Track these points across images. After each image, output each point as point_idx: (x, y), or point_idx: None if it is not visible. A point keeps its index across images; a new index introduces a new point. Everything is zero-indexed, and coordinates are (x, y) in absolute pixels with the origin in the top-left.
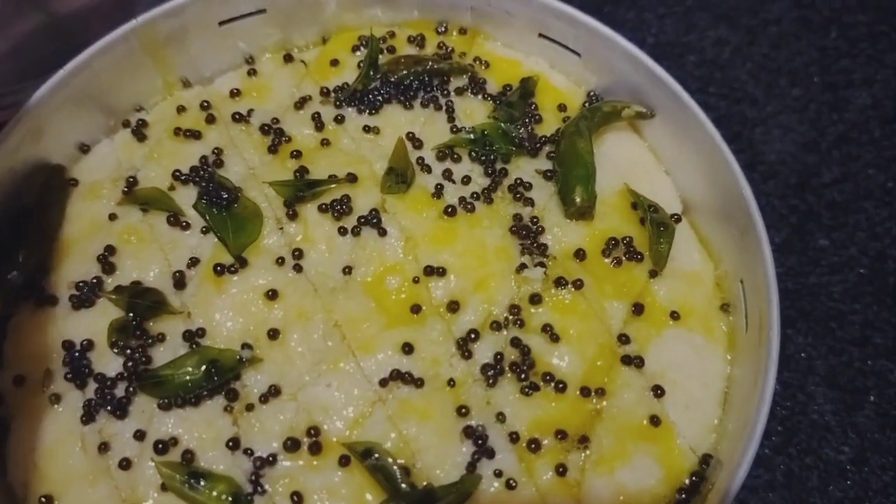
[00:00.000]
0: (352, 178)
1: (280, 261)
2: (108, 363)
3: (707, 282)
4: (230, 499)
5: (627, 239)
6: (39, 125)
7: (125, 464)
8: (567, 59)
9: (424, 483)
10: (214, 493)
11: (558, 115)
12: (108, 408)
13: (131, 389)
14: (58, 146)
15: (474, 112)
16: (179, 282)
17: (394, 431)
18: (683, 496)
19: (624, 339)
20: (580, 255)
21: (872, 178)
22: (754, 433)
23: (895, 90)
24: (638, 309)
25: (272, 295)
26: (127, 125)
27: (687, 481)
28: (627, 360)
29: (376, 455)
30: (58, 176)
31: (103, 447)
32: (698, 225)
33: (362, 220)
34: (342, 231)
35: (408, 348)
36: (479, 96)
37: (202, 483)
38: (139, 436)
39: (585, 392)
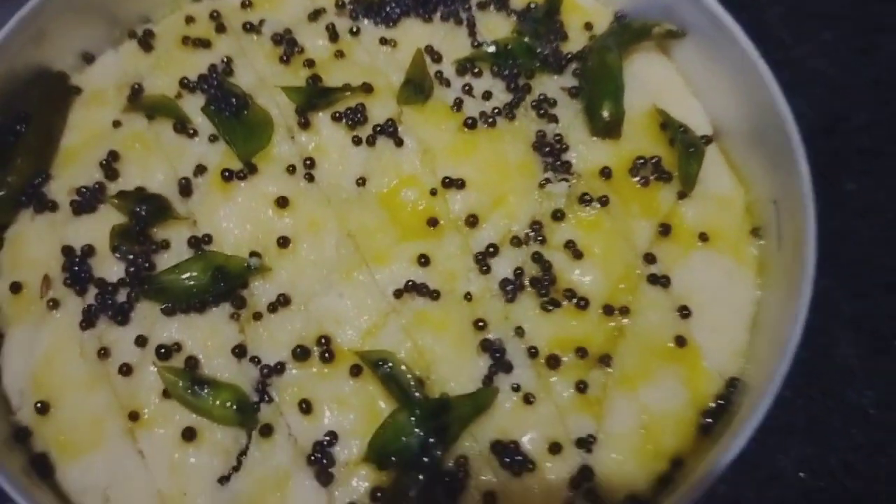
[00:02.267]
0: (367, 88)
1: (291, 169)
2: (110, 269)
3: (737, 206)
4: (235, 407)
5: (656, 159)
6: (41, 28)
7: (125, 369)
8: None
9: (439, 395)
10: (218, 401)
11: (584, 34)
12: (109, 313)
13: (133, 295)
14: (60, 53)
15: (497, 27)
16: (185, 188)
17: (408, 342)
18: (709, 420)
19: (650, 258)
20: (606, 173)
21: None
22: (787, 349)
23: None
24: (665, 230)
25: (282, 202)
26: (133, 35)
27: (713, 405)
28: (653, 280)
29: (389, 364)
30: (60, 82)
31: (103, 353)
32: (728, 150)
33: (378, 129)
34: (356, 140)
35: (423, 260)
36: (503, 12)
37: (206, 390)
38: (140, 342)
39: (608, 310)
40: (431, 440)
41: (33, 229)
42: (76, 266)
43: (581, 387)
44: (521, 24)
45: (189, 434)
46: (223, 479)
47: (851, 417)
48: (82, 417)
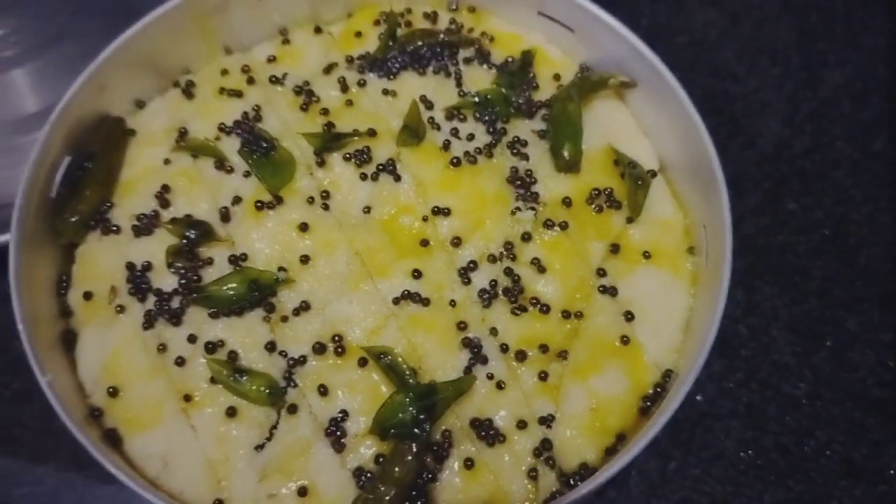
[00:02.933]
0: (372, 133)
1: (311, 200)
2: (165, 281)
3: (677, 228)
4: (267, 391)
5: (609, 190)
6: (102, 82)
7: (180, 361)
8: (562, 35)
9: (428, 381)
10: (255, 386)
11: (553, 83)
12: (166, 316)
13: (185, 302)
14: (118, 101)
15: (479, 79)
16: (225, 216)
17: (403, 340)
18: (647, 403)
19: (601, 272)
20: (567, 202)
21: (840, 150)
22: (705, 344)
23: (866, 70)
24: (615, 249)
25: (304, 227)
26: (177, 85)
27: (650, 391)
28: (603, 290)
29: (389, 357)
30: (118, 126)
31: (161, 348)
32: (672, 181)
33: (380, 167)
34: (363, 176)
35: (417, 274)
36: (484, 66)
37: (244, 377)
38: (191, 339)
39: (566, 314)
40: (422, 417)
41: (100, 248)
42: (137, 278)
43: (543, 376)
44: (499, 77)
45: (231, 412)
46: (258, 448)
47: (786, 406)
48: (145, 400)
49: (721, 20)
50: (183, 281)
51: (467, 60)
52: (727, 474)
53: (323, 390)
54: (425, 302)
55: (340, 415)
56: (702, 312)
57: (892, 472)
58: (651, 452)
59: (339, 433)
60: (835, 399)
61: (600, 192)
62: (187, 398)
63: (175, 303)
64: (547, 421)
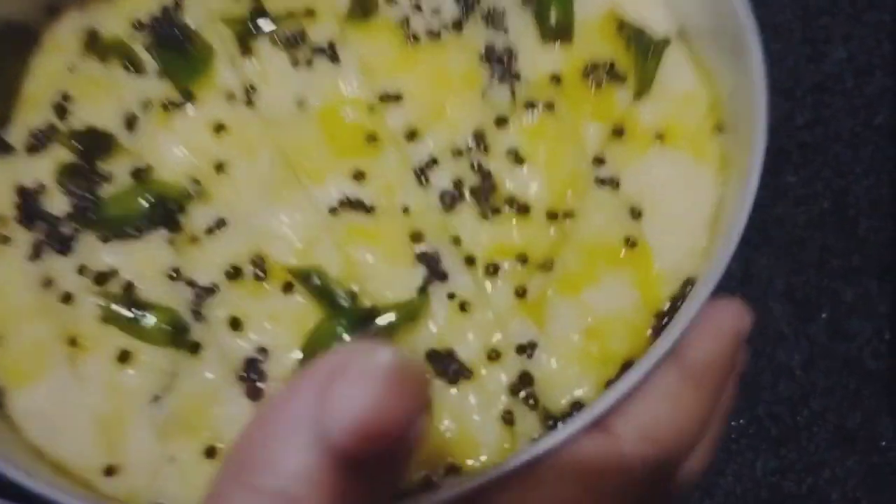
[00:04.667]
0: (310, 13)
1: (231, 96)
2: (57, 204)
3: (700, 102)
4: (169, 328)
5: (609, 63)
6: None
7: (66, 297)
8: None
9: (370, 306)
10: (153, 323)
11: None
12: (54, 245)
13: (77, 227)
14: (24, 5)
15: None
16: (130, 122)
17: (341, 256)
18: (666, 321)
19: (599, 161)
20: (555, 79)
21: (841, 124)
22: (732, 236)
23: (870, 46)
24: (619, 132)
25: (219, 129)
26: None
27: (666, 306)
28: (601, 182)
29: (318, 277)
30: (19, 32)
31: (47, 283)
32: (693, 47)
33: (316, 49)
34: (294, 62)
35: (359, 175)
36: None
37: (141, 313)
38: (81, 271)
39: (552, 215)
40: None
41: None
42: (27, 204)
43: (520, 292)
44: None
45: (124, 356)
46: (156, 398)
47: (780, 375)
48: (28, 346)
49: None
50: (76, 202)
51: None
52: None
53: (236, 324)
54: (369, 209)
55: (258, 354)
56: (732, 202)
57: (884, 442)
58: None
59: (255, 377)
60: (830, 369)
61: (598, 66)
62: (73, 342)
63: (66, 229)
64: (527, 349)
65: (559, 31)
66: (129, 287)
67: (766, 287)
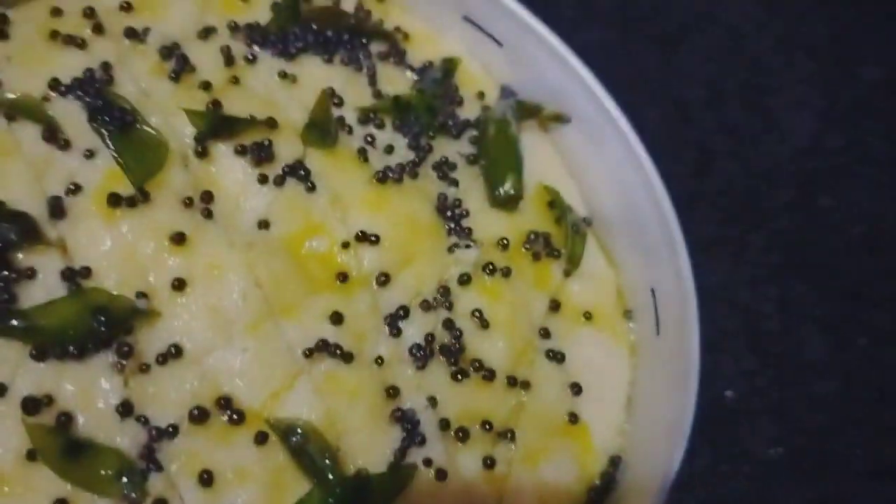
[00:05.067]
0: (272, 123)
1: (187, 202)
2: None
3: (610, 287)
4: (119, 475)
5: (546, 235)
6: None
7: None
8: (487, 48)
9: (351, 470)
10: (100, 468)
11: (477, 102)
12: None
13: None
14: None
15: (396, 81)
16: (56, 209)
17: (318, 409)
18: (594, 496)
19: (544, 332)
20: (503, 244)
21: (875, 147)
22: (680, 436)
23: None
24: (555, 305)
25: (178, 238)
26: None
27: (598, 482)
28: (550, 355)
29: (300, 434)
30: None
31: None
32: (599, 233)
33: (287, 169)
34: (262, 179)
35: (336, 318)
36: (401, 66)
37: (83, 454)
38: (0, 390)
39: (512, 381)
40: None
41: None
42: None
43: (488, 462)
44: (420, 83)
45: None
46: None
47: (816, 404)
48: None
49: (757, 12)
50: None
51: (382, 56)
52: (756, 472)
53: (206, 478)
54: (347, 357)
55: None
56: (652, 390)
57: None
58: None
59: None
60: (865, 398)
61: (538, 237)
62: None
63: None
64: None
65: (509, 199)
66: (65, 419)
67: (801, 315)
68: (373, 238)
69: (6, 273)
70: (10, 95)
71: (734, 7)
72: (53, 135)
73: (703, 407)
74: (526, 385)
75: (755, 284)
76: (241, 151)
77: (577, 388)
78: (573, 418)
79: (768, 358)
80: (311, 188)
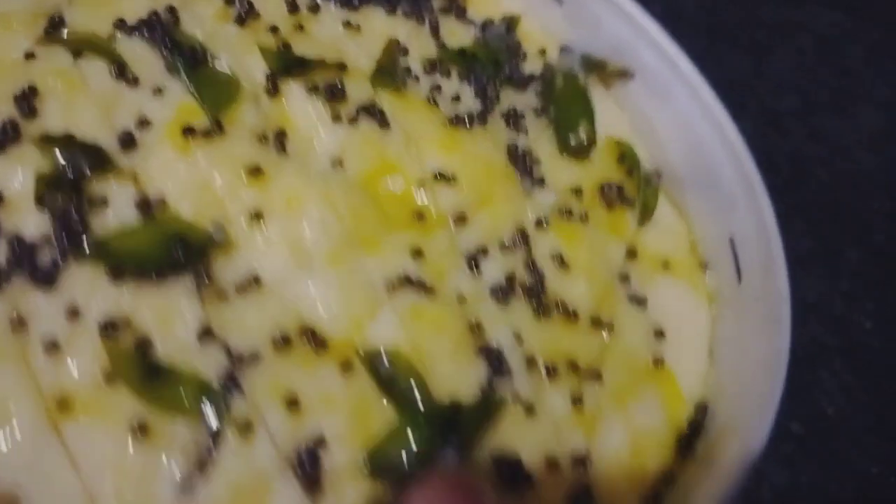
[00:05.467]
0: (342, 66)
1: (262, 138)
2: (27, 222)
3: (684, 240)
4: (201, 399)
5: (619, 185)
6: None
7: (51, 346)
8: (546, 7)
9: (438, 400)
10: (181, 392)
11: (539, 58)
12: (27, 273)
13: (62, 256)
14: None
15: (459, 34)
16: (127, 141)
17: (403, 340)
18: (683, 441)
19: (623, 277)
20: (577, 192)
21: None
22: (777, 381)
23: None
24: (631, 253)
25: (254, 171)
26: None
27: (687, 429)
28: (632, 300)
29: (386, 360)
30: None
31: (17, 323)
32: (668, 187)
33: (361, 108)
34: (336, 118)
35: (416, 253)
36: (462, 21)
37: (163, 378)
38: (73, 313)
39: (596, 322)
40: (444, 450)
41: None
42: None
43: (576, 400)
44: (484, 36)
45: (140, 429)
46: (184, 484)
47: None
48: None
49: (846, 20)
50: (61, 225)
51: (443, 10)
52: (861, 489)
53: (287, 403)
54: (429, 291)
55: (313, 441)
56: (737, 340)
57: None
58: (781, 463)
59: (311, 467)
60: None
61: (611, 186)
62: (64, 405)
63: (45, 256)
64: (582, 462)
65: (581, 148)
66: (145, 341)
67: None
68: (449, 178)
69: (80, 203)
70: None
71: (823, 15)
72: (122, 71)
73: (805, 421)
74: (610, 327)
75: (852, 298)
76: (313, 90)
77: (660, 334)
78: (658, 363)
79: (868, 372)
80: (385, 125)
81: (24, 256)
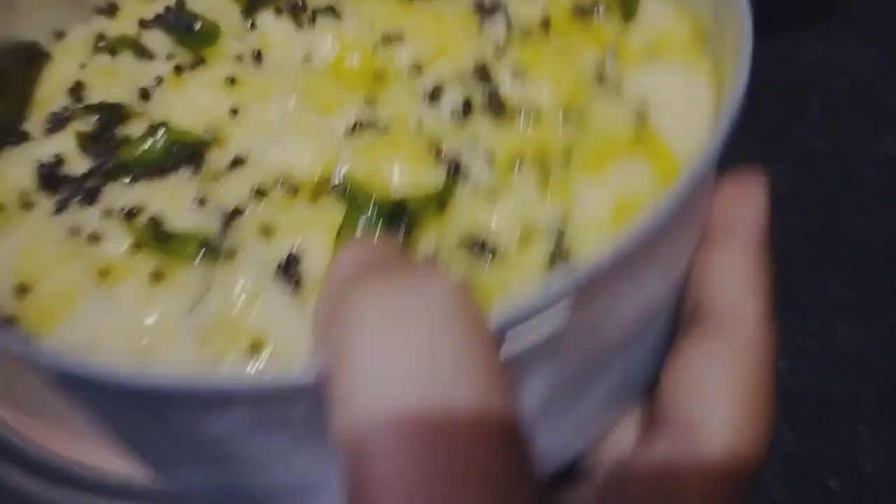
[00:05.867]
0: None
1: (240, 58)
2: (78, 166)
3: (682, 28)
4: (201, 246)
5: (594, 3)
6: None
7: (94, 237)
8: None
9: None
10: (186, 244)
11: None
12: (79, 197)
13: (100, 180)
14: (33, 29)
15: None
16: (145, 94)
17: (364, 168)
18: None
19: (600, 78)
20: (546, 24)
21: None
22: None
23: None
24: (612, 55)
25: (231, 81)
26: (101, 11)
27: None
28: (607, 87)
29: (349, 185)
30: (32, 48)
31: (74, 232)
32: None
33: (318, 11)
34: (298, 25)
35: (372, 101)
36: None
37: (172, 239)
38: (108, 214)
39: (564, 116)
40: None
41: (10, 159)
42: (48, 173)
43: (543, 181)
44: None
45: (157, 276)
46: (193, 309)
47: None
48: (57, 290)
49: (882, 60)
50: (97, 163)
51: None
52: None
53: (266, 230)
54: (385, 130)
55: (292, 255)
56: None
57: None
58: None
59: (293, 273)
60: None
61: (585, 8)
62: (104, 273)
63: (91, 183)
64: (559, 230)
65: None
66: (156, 219)
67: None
68: (398, 37)
69: (109, 143)
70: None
71: (857, 55)
72: (142, 52)
73: (842, 477)
74: (581, 117)
75: (891, 349)
76: (280, 12)
77: (642, 116)
78: (641, 135)
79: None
80: (339, 16)
81: (77, 189)
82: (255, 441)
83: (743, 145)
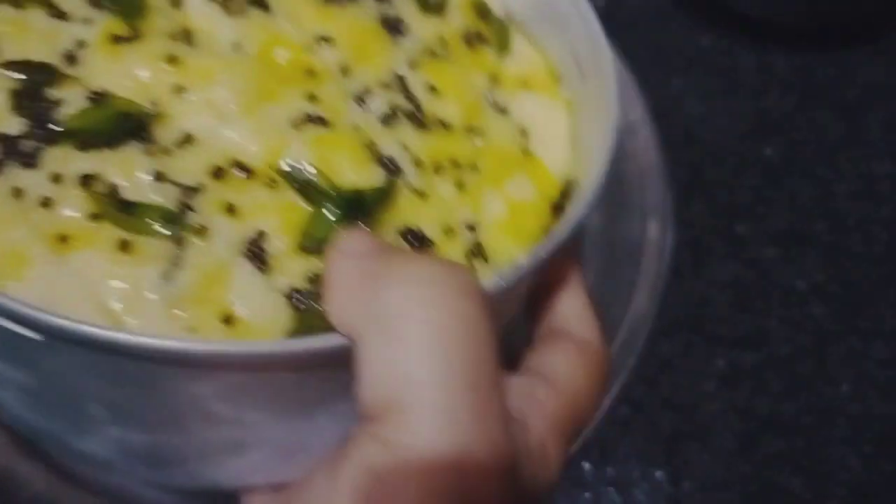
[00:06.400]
0: None
1: (174, 36)
2: (10, 126)
3: (539, 64)
4: (164, 219)
5: (477, 31)
6: None
7: (46, 202)
8: None
9: None
10: (148, 216)
11: None
12: (16, 159)
13: (39, 143)
14: None
15: None
16: (71, 58)
17: (312, 158)
18: (557, 205)
19: (489, 97)
20: (442, 41)
21: None
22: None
23: None
24: (494, 79)
25: (172, 60)
26: None
27: (558, 198)
28: (498, 111)
29: (301, 173)
30: None
31: (17, 193)
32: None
33: (248, 1)
34: (227, 11)
35: (311, 97)
36: None
37: (133, 210)
38: (56, 178)
39: (469, 129)
40: (352, 224)
41: None
42: None
43: (459, 186)
44: None
45: (124, 246)
46: (165, 278)
47: None
48: (3, 249)
49: None
50: (31, 123)
51: None
52: None
53: (230, 210)
54: (327, 124)
55: (256, 236)
56: (589, 127)
57: None
58: None
59: (259, 253)
60: None
61: (471, 34)
62: (61, 239)
63: (27, 145)
64: (473, 227)
65: (436, 7)
66: (114, 188)
67: None
68: (329, 41)
69: (42, 104)
70: None
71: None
72: (56, 10)
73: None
74: (482, 132)
75: None
76: None
77: (524, 133)
78: (525, 153)
79: None
80: (267, 9)
81: (12, 149)
82: (213, 404)
83: (805, 165)
